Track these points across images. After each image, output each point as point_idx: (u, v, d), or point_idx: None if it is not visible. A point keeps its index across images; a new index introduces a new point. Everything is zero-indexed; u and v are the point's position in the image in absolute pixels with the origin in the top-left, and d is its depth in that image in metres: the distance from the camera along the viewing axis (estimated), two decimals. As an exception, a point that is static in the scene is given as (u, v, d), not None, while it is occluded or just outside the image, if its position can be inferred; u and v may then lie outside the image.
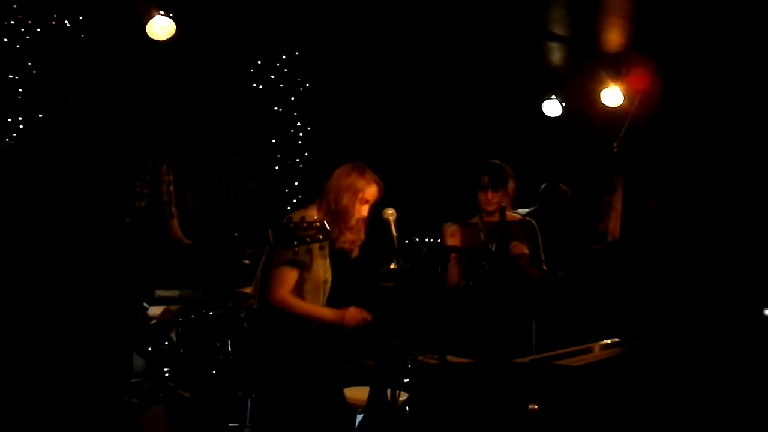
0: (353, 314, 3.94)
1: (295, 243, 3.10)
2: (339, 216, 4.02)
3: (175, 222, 5.17)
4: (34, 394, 4.31)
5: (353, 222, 4.03)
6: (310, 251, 3.99)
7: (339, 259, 4.22)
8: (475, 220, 4.79)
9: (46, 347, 4.48)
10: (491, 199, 4.60)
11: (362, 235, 4.08)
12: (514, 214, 4.77)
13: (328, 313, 3.95)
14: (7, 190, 4.83)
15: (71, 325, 4.50)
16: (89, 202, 4.76)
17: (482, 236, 4.64)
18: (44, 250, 4.70)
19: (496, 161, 4.75)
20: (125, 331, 4.48)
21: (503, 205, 4.51)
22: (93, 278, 4.55)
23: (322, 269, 4.08)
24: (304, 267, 3.98)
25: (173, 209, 5.14)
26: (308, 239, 3.11)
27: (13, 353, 4.42)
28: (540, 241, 4.72)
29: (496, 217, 4.64)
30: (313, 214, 4.07)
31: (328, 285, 4.17)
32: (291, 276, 3.96)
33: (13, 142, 5.41)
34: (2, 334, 4.46)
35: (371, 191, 4.09)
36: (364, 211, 4.06)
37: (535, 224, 4.74)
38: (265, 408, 4.17)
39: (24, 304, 4.58)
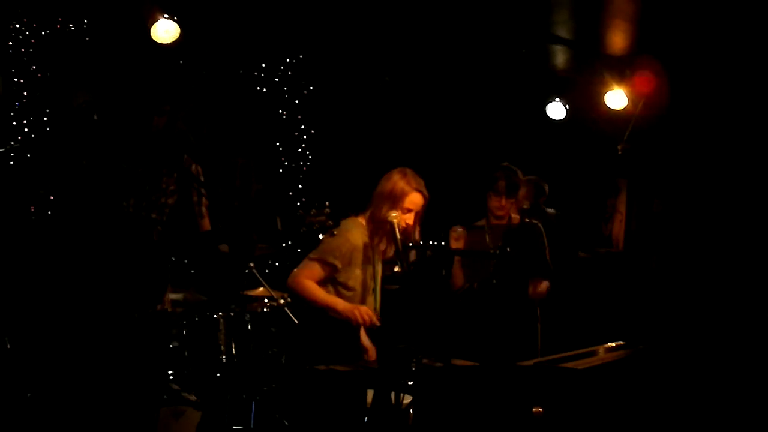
0: (365, 311, 3.94)
1: (303, 229, 3.15)
2: (381, 226, 4.01)
3: (205, 221, 5.18)
4: (51, 394, 4.33)
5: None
6: (350, 259, 4.00)
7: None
8: (481, 223, 4.78)
9: (61, 347, 4.50)
10: (504, 205, 4.59)
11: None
12: (516, 216, 4.77)
13: (339, 303, 3.96)
14: (25, 189, 4.85)
15: (89, 323, 4.52)
16: (111, 195, 4.77)
17: (488, 239, 4.64)
18: (64, 245, 4.72)
19: (511, 166, 4.72)
20: (141, 329, 4.49)
21: (499, 214, 4.53)
22: (112, 275, 4.57)
23: (363, 277, 4.08)
24: (335, 270, 3.99)
25: (203, 209, 5.15)
26: (316, 226, 3.14)
27: (27, 352, 4.44)
28: (546, 245, 4.71)
29: (503, 221, 4.64)
30: (362, 221, 4.08)
31: (377, 294, 4.17)
32: (317, 270, 3.97)
33: (18, 145, 5.42)
34: (21, 332, 4.48)
35: (412, 199, 4.02)
36: (408, 219, 4.01)
37: (541, 227, 4.73)
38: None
39: (43, 302, 4.60)
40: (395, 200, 3.99)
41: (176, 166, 4.85)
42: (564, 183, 7.14)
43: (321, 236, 4.14)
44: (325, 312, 3.98)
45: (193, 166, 5.08)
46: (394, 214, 3.97)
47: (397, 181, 4.04)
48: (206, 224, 5.19)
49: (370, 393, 3.58)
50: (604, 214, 7.27)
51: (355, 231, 4.04)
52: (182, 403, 4.27)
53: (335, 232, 4.07)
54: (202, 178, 5.06)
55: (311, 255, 4.02)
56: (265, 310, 4.81)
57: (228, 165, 6.94)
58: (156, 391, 4.29)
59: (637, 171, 7.01)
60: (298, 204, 6.72)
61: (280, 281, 5.12)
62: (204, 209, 5.16)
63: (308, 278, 3.98)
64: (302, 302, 4.03)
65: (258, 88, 6.98)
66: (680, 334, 6.02)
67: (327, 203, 4.22)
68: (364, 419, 3.60)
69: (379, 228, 4.02)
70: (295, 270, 4.03)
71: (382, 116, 7.24)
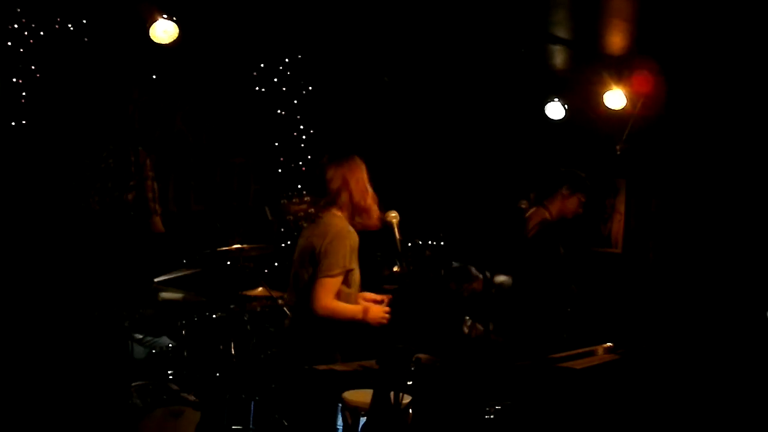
0: (379, 312, 3.98)
1: (290, 218, 3.19)
2: (359, 214, 4.09)
3: (158, 218, 5.10)
4: (32, 395, 4.30)
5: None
6: (354, 256, 4.04)
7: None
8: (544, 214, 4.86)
9: (44, 346, 4.47)
10: (579, 213, 4.79)
11: None
12: None
13: (359, 312, 4.01)
14: None
15: (68, 323, 4.49)
16: (76, 192, 4.71)
17: None
18: (34, 246, 4.67)
19: None
20: (122, 327, 4.47)
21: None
22: (86, 272, 4.54)
23: (358, 272, 4.11)
24: (350, 273, 4.02)
25: (157, 206, 5.07)
26: (301, 213, 3.17)
27: (10, 353, 4.41)
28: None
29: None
30: (341, 214, 4.10)
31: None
32: (338, 283, 3.99)
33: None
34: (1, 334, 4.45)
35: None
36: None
37: None
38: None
39: (19, 303, 4.56)
40: (364, 181, 4.11)
41: (134, 160, 4.78)
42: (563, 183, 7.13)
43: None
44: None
45: (148, 161, 5.00)
46: (393, 215, 3.98)
47: (359, 164, 4.16)
48: (158, 223, 5.09)
49: (369, 393, 3.58)
50: (603, 214, 7.27)
51: (348, 226, 4.07)
52: (181, 403, 4.27)
53: (334, 235, 4.06)
54: (152, 173, 5.00)
55: (331, 272, 3.98)
56: (264, 309, 4.81)
57: (226, 165, 6.94)
58: (125, 391, 4.28)
59: (635, 171, 7.01)
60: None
61: (280, 281, 5.12)
62: (157, 206, 5.07)
63: (334, 297, 3.99)
64: (329, 323, 4.04)
65: (256, 88, 6.98)
66: (678, 334, 6.03)
67: (304, 192, 4.24)
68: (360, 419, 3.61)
69: (357, 216, 4.08)
70: (319, 295, 3.95)
71: (381, 116, 7.25)
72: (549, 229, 4.76)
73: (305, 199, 3.45)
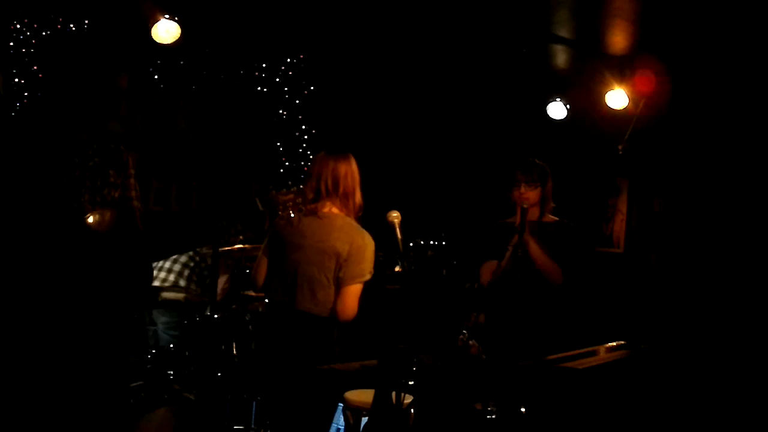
0: None
1: (280, 208, 3.22)
2: (358, 213, 4.07)
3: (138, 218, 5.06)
4: (30, 394, 4.29)
5: None
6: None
7: None
8: (513, 219, 4.74)
9: (43, 346, 4.45)
10: (524, 193, 4.56)
11: None
12: (551, 216, 4.75)
13: None
14: None
15: (64, 324, 4.46)
16: (66, 193, 4.67)
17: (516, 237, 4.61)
18: (32, 245, 4.63)
19: (535, 159, 4.74)
20: (120, 330, 4.46)
21: (525, 206, 4.48)
22: (84, 272, 4.50)
23: None
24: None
25: (140, 205, 5.03)
26: (290, 203, 3.20)
27: (9, 353, 4.39)
28: (576, 247, 4.69)
29: (530, 216, 4.61)
30: (343, 213, 4.10)
31: None
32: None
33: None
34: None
35: None
36: None
37: (574, 227, 4.71)
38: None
39: (18, 303, 4.53)
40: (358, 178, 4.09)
41: (117, 157, 4.72)
42: (565, 183, 7.13)
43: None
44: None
45: (131, 160, 4.94)
46: (395, 215, 3.97)
47: (354, 163, 4.10)
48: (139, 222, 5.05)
49: (371, 393, 3.58)
50: (605, 214, 7.27)
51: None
52: (183, 403, 4.27)
53: (362, 239, 4.03)
54: (133, 170, 4.94)
55: (364, 277, 3.98)
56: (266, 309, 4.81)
57: (228, 164, 6.94)
58: (125, 391, 4.26)
59: (637, 171, 7.01)
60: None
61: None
62: (140, 206, 5.02)
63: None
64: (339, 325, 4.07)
65: (258, 87, 6.98)
66: (681, 334, 6.02)
67: (290, 182, 4.22)
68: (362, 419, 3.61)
69: (352, 213, 4.05)
70: (352, 301, 3.96)
71: (383, 116, 7.24)
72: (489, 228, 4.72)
73: (292, 189, 3.45)
